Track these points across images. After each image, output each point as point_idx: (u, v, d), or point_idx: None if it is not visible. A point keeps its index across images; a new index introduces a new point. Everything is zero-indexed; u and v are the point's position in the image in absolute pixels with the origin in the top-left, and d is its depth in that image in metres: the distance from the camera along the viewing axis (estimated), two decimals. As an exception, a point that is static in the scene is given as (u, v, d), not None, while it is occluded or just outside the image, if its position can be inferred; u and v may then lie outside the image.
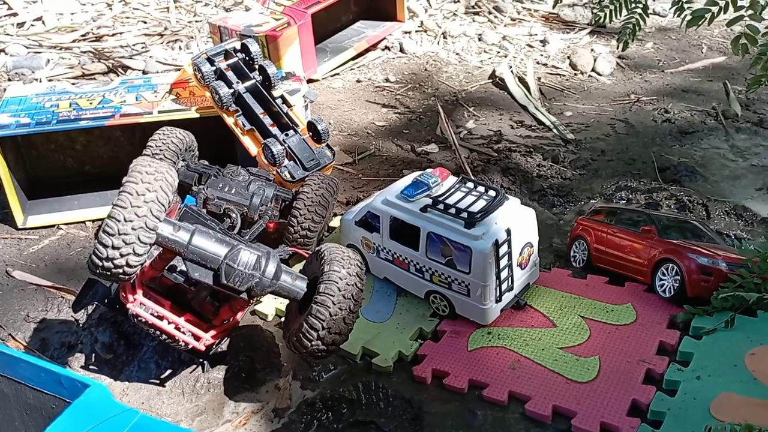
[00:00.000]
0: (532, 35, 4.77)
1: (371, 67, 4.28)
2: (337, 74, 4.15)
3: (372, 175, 3.15)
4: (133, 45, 4.33)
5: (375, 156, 3.32)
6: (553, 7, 4.13)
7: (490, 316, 2.08)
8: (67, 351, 2.12)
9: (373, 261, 2.31)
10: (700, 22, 2.44)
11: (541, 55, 4.45)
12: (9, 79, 3.90)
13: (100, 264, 1.56)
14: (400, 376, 2.01)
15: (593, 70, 4.25)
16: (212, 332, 1.89)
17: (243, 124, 2.61)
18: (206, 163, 2.52)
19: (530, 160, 3.27)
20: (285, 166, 2.52)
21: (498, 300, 2.07)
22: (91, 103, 2.69)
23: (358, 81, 4.11)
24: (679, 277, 2.04)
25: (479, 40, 4.67)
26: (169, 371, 2.05)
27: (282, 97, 2.70)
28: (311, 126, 2.60)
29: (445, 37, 4.67)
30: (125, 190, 1.58)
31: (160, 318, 1.82)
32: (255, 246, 1.82)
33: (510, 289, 2.11)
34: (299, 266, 2.13)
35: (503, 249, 2.02)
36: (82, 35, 4.39)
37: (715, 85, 4.03)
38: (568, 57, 4.35)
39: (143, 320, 1.82)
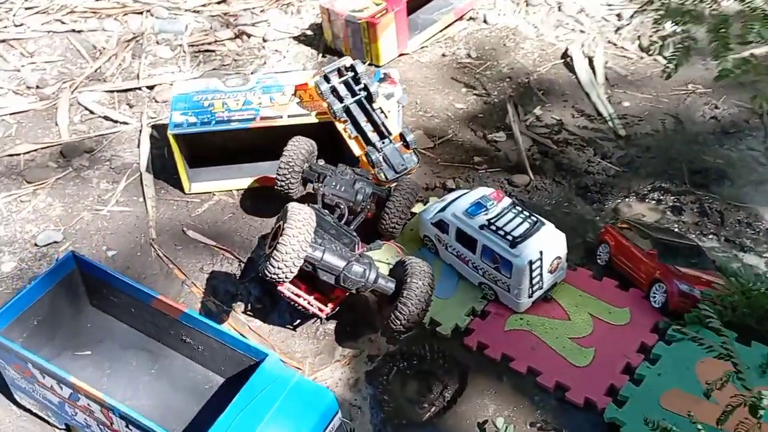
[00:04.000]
0: (610, 5, 5.12)
1: (456, 39, 4.83)
2: (426, 47, 4.75)
3: (448, 161, 3.88)
4: (253, 8, 5.04)
5: (452, 141, 4.02)
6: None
7: (522, 307, 2.91)
8: (230, 298, 3.11)
9: (442, 251, 3.15)
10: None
11: (614, 32, 4.86)
12: (157, 42, 4.73)
13: (269, 276, 2.48)
14: (454, 342, 2.90)
15: (660, 53, 4.64)
16: (330, 305, 2.82)
17: (350, 131, 3.39)
18: (323, 162, 3.34)
19: (582, 155, 3.90)
20: (380, 169, 3.31)
21: (530, 296, 2.89)
22: (237, 104, 3.51)
23: (444, 55, 4.70)
24: (666, 295, 2.79)
25: (558, 9, 5.07)
26: (298, 320, 3.00)
27: (380, 108, 3.44)
28: (402, 136, 3.36)
29: (527, 5, 5.10)
30: (286, 233, 2.44)
31: (297, 295, 2.75)
32: (363, 257, 2.69)
33: (540, 288, 2.91)
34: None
35: (536, 264, 2.81)
36: (211, -3, 5.11)
37: (776, 76, 4.37)
38: (638, 38, 4.73)
39: (287, 296, 2.75)
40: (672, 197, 3.64)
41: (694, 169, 3.81)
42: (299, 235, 2.44)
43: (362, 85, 3.42)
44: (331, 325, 2.99)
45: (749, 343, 2.68)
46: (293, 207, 2.53)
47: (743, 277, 2.83)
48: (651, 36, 3.68)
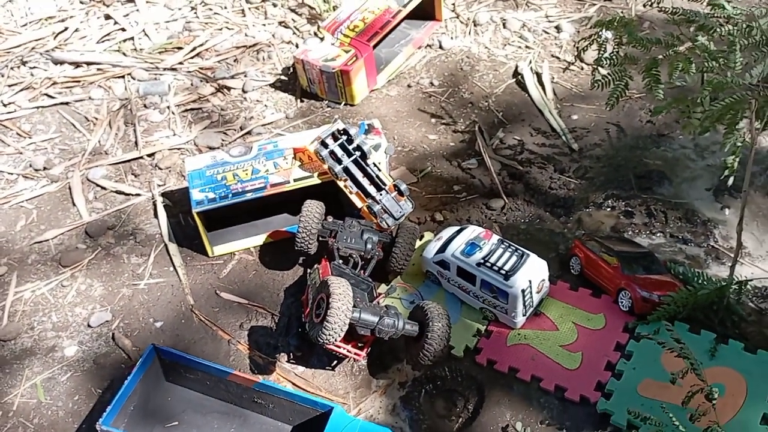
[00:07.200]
0: (548, 17, 5.70)
1: (418, 68, 5.33)
2: (393, 79, 5.25)
3: (432, 193, 4.43)
4: (226, 59, 5.41)
5: (432, 174, 4.56)
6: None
7: (518, 325, 3.54)
8: (273, 350, 3.63)
9: (444, 283, 3.75)
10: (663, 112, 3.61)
11: (556, 44, 5.45)
12: (145, 106, 5.09)
13: (321, 342, 3.03)
14: (467, 361, 3.50)
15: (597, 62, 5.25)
16: (365, 350, 3.40)
17: (351, 187, 3.91)
18: (332, 219, 3.87)
19: (544, 173, 4.51)
20: (382, 218, 3.86)
21: (524, 315, 3.53)
22: (246, 174, 3.98)
23: (409, 86, 5.21)
24: (631, 301, 3.47)
25: (504, 27, 5.62)
26: (335, 361, 3.56)
27: (374, 163, 3.97)
28: (396, 186, 3.91)
29: (475, 25, 5.64)
30: (333, 306, 2.98)
31: (338, 347, 3.31)
32: (390, 308, 3.27)
33: (531, 306, 3.55)
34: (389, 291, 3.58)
35: (527, 290, 3.44)
36: (185, 54, 5.45)
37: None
38: (577, 49, 5.32)
39: (329, 348, 3.30)
40: (623, 203, 4.29)
41: (639, 173, 4.45)
42: (343, 306, 2.99)
43: (355, 145, 3.94)
44: (364, 362, 3.56)
45: (699, 331, 3.39)
46: (333, 282, 3.07)
47: (690, 279, 3.52)
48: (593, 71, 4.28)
